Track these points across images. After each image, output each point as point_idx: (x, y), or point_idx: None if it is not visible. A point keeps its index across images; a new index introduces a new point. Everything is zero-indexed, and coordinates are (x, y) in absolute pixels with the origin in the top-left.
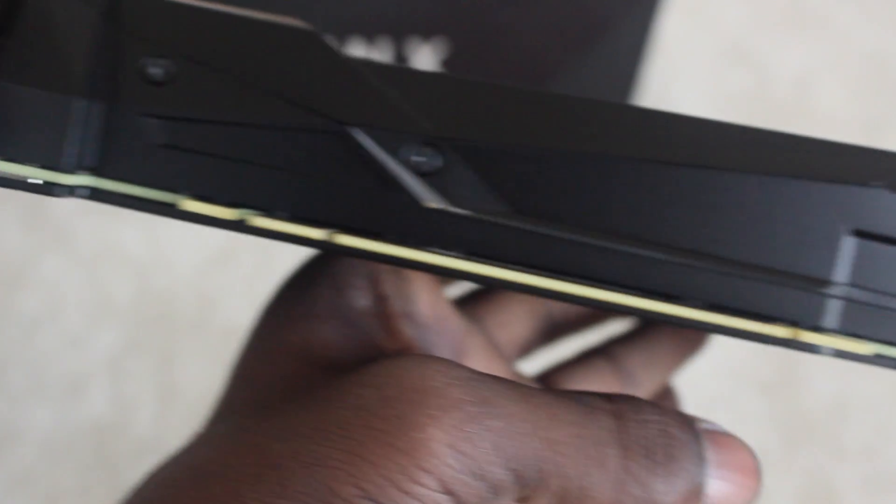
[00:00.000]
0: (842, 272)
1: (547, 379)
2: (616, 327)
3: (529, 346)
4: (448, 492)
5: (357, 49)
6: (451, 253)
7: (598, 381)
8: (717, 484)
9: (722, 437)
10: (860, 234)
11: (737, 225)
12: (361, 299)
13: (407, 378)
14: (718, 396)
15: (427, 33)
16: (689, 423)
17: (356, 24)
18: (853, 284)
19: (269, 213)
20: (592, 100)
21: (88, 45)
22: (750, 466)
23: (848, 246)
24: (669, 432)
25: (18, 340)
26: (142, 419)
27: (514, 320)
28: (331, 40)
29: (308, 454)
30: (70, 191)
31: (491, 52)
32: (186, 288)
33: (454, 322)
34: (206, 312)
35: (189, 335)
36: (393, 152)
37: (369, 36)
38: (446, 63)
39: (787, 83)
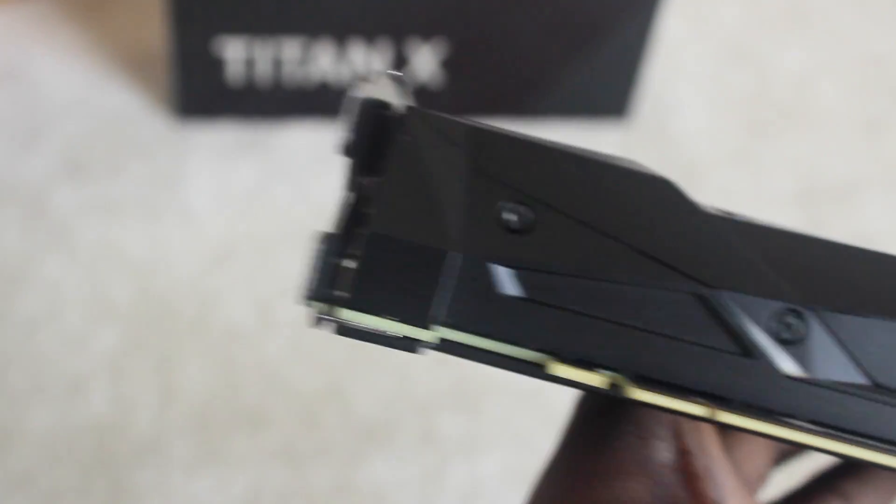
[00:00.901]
0: None
1: None
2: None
3: (766, 476)
4: None
5: (357, 49)
6: (803, 425)
7: None
8: None
9: None
10: None
11: None
12: (665, 451)
13: None
14: None
15: (427, 33)
16: None
17: (356, 24)
18: None
19: (624, 373)
20: None
21: (454, 189)
22: None
23: None
24: None
25: (18, 340)
26: (142, 419)
27: (758, 451)
28: (686, 191)
29: None
30: (428, 345)
31: (491, 52)
32: (186, 288)
33: (727, 467)
34: (206, 312)
35: (189, 335)
36: (757, 319)
37: (369, 36)
38: (446, 63)
39: (787, 83)
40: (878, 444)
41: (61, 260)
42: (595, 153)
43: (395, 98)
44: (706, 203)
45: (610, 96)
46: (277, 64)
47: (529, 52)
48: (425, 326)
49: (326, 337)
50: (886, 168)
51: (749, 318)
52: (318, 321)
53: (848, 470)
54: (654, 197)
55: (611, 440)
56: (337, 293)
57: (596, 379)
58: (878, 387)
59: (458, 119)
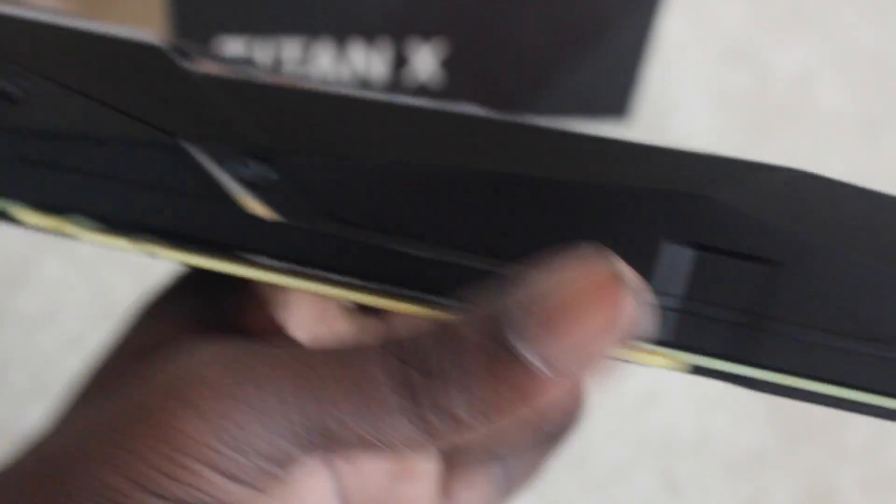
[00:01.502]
0: (658, 281)
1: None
2: None
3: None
4: (224, 473)
5: (357, 49)
6: (279, 264)
7: None
8: (549, 346)
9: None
10: (681, 242)
11: (555, 232)
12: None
13: (172, 366)
14: (718, 397)
15: (427, 33)
16: (475, 307)
17: (356, 24)
18: (663, 293)
19: (99, 221)
20: (418, 107)
21: None
22: (589, 296)
23: (667, 254)
24: (447, 332)
25: (18, 340)
26: None
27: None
28: (175, 55)
29: (77, 450)
30: None
31: (491, 52)
32: None
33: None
34: None
35: None
36: (223, 165)
37: (369, 36)
38: (446, 63)
39: (787, 83)
40: (351, 278)
41: (61, 260)
42: (97, 25)
43: None
44: (369, 56)
45: (610, 96)
46: (277, 64)
47: (529, 51)
48: None
49: None
50: (886, 168)
51: (216, 165)
52: None
53: None
54: (141, 61)
55: (174, 295)
56: None
57: (45, 221)
58: (347, 223)
59: None
